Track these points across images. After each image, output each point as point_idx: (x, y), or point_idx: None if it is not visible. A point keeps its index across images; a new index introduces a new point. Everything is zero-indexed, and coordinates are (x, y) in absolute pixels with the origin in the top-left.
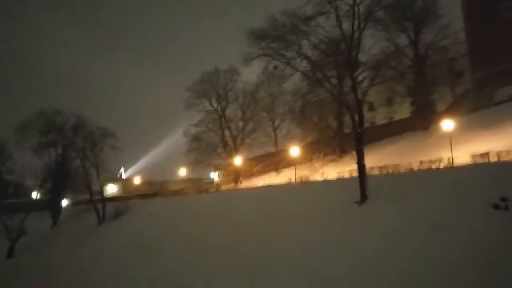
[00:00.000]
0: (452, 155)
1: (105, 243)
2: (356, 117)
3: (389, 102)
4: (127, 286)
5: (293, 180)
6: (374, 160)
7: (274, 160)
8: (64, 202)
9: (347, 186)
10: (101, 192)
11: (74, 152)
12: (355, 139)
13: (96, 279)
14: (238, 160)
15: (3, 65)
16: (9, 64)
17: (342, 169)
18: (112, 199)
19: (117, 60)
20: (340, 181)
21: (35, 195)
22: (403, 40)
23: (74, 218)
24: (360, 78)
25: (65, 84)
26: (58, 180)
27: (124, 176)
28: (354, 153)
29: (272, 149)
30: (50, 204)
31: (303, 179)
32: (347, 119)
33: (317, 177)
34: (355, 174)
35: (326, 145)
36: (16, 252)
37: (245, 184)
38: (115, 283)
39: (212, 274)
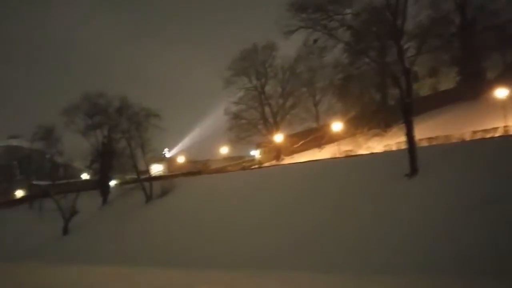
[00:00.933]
0: (508, 124)
1: (152, 220)
2: (404, 87)
3: (434, 72)
4: (172, 259)
5: (337, 155)
6: (423, 131)
7: (316, 136)
8: (112, 182)
9: (395, 159)
10: (147, 171)
11: (120, 133)
12: (404, 111)
13: (143, 253)
14: (279, 137)
15: (45, 52)
16: (51, 50)
17: (388, 142)
18: (158, 177)
19: (152, 44)
20: (387, 154)
21: (84, 176)
22: (449, 5)
23: (122, 197)
24: (405, 47)
25: (106, 68)
26: (105, 161)
27: (167, 156)
28: (399, 126)
29: (313, 125)
30: (99, 184)
31: (348, 153)
32: (391, 91)
33: (363, 151)
34: (403, 146)
35: (369, 119)
36: (70, 230)
37: (287, 161)
38: (160, 257)
39: (256, 246)
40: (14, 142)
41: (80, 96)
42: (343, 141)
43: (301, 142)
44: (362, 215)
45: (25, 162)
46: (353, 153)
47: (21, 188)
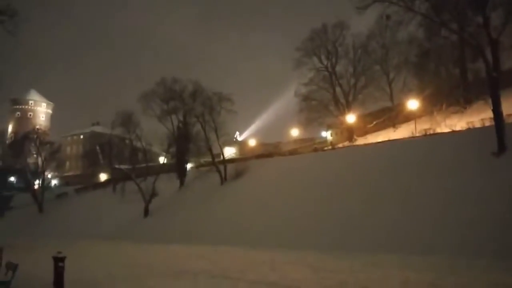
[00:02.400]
0: None
1: (227, 201)
2: (490, 60)
3: None
4: (251, 239)
5: (414, 134)
6: (510, 107)
7: (390, 116)
8: (189, 165)
9: (479, 136)
10: (221, 154)
11: (194, 118)
12: (490, 85)
13: (221, 234)
14: (351, 118)
15: (124, 40)
16: (129, 40)
17: (470, 119)
18: (231, 160)
19: (223, 30)
20: (470, 131)
21: (162, 159)
22: None
23: (198, 179)
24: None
25: (179, 56)
26: (181, 145)
27: (239, 139)
28: (481, 102)
29: (387, 104)
30: (176, 167)
31: (426, 132)
32: (470, 66)
33: (442, 129)
34: (488, 123)
35: (448, 96)
36: (151, 212)
37: (360, 141)
38: (238, 238)
39: (332, 228)
40: (97, 129)
41: (156, 83)
42: (419, 119)
43: (374, 122)
44: (441, 197)
45: (106, 147)
46: (431, 132)
47: (104, 172)
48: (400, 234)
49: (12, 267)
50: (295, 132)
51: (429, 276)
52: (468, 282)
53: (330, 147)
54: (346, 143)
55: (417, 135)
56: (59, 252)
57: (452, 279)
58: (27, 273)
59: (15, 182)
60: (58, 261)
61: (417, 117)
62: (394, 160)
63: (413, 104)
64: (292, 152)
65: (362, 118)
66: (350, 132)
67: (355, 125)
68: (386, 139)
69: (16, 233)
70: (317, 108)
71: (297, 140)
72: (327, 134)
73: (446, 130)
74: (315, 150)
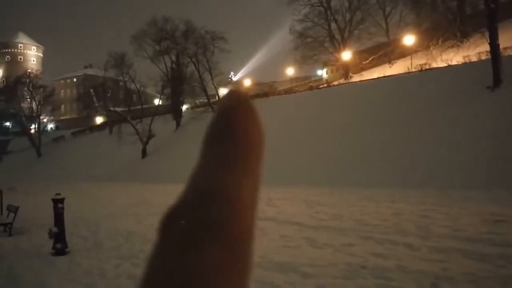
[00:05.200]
0: None
1: None
2: None
3: None
4: None
5: (410, 69)
6: (507, 40)
7: (386, 52)
8: (184, 106)
9: (475, 70)
10: (216, 94)
11: (187, 58)
12: (488, 17)
13: None
14: (346, 54)
15: None
16: None
17: (466, 53)
18: None
19: None
20: (466, 65)
21: (157, 101)
22: None
23: (194, 120)
24: None
25: None
26: (176, 86)
27: (234, 79)
28: (477, 35)
29: (383, 39)
30: (171, 108)
31: (422, 67)
32: None
33: (438, 64)
34: (484, 57)
35: (444, 30)
36: (148, 152)
37: (356, 78)
38: None
39: (324, 165)
40: (89, 71)
41: (147, 23)
42: (415, 55)
43: (370, 59)
44: (432, 132)
45: (100, 90)
46: (427, 67)
47: (100, 115)
48: (394, 168)
49: (13, 209)
50: (290, 71)
51: (421, 207)
52: (458, 213)
53: (325, 85)
54: (342, 81)
55: (413, 70)
56: (58, 194)
57: (443, 210)
58: (28, 215)
59: (10, 127)
60: (57, 202)
61: (413, 53)
62: (388, 96)
63: (409, 39)
64: (288, 91)
65: (358, 54)
66: (345, 69)
67: (350, 62)
68: (382, 75)
69: (15, 177)
70: (312, 45)
71: (292, 79)
72: (322, 72)
73: (442, 65)
74: (311, 88)
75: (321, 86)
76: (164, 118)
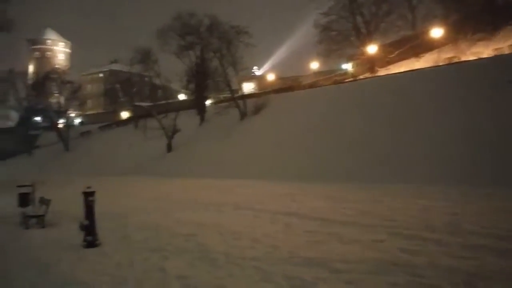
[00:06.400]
0: None
1: (248, 135)
2: None
3: None
4: (269, 173)
5: (438, 63)
6: None
7: (413, 45)
8: (208, 101)
9: (507, 63)
10: (240, 89)
11: (212, 53)
12: None
13: (241, 168)
14: (372, 48)
15: None
16: None
17: (498, 46)
18: (251, 95)
19: None
20: (497, 58)
21: (181, 96)
22: None
23: (218, 115)
24: None
25: None
26: (200, 81)
27: (258, 74)
28: (509, 28)
29: (410, 32)
30: (195, 103)
31: (450, 60)
32: None
33: (467, 57)
34: None
35: (474, 22)
36: (173, 147)
37: (382, 72)
38: (257, 171)
39: (344, 153)
40: (115, 67)
41: (172, 17)
42: (443, 48)
43: (396, 52)
44: (458, 127)
45: (126, 85)
46: (456, 60)
47: (125, 109)
48: (420, 165)
49: (46, 201)
50: (314, 65)
51: (448, 204)
52: (484, 210)
53: (351, 79)
54: (367, 74)
55: (441, 64)
56: (88, 187)
57: (470, 207)
58: (58, 208)
59: (40, 121)
60: (88, 195)
61: (441, 46)
62: (414, 90)
63: (437, 32)
64: (312, 85)
65: (384, 48)
66: (371, 63)
67: (376, 55)
68: (409, 69)
69: (44, 170)
70: (337, 39)
71: (316, 73)
72: (347, 66)
73: (472, 58)
74: (336, 82)
75: (346, 80)
76: (188, 113)
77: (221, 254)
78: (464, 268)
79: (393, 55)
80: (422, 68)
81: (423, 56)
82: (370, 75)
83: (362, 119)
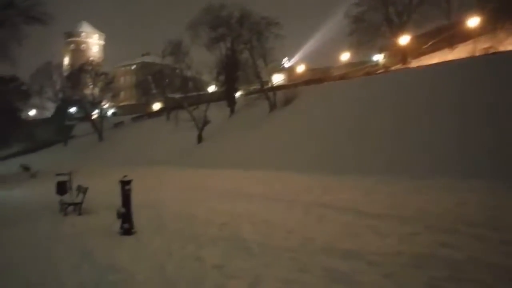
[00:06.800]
0: None
1: (277, 127)
2: None
3: None
4: (296, 161)
5: (474, 54)
6: None
7: (447, 35)
8: (238, 93)
9: None
10: (270, 81)
11: (242, 44)
12: None
13: (270, 159)
14: (404, 39)
15: None
16: None
17: None
18: (280, 87)
19: None
20: None
21: (211, 88)
22: None
23: (248, 107)
24: None
25: None
26: (230, 73)
27: (287, 65)
28: None
29: (444, 22)
30: (225, 95)
31: (487, 51)
32: None
33: (506, 47)
34: None
35: None
36: (203, 138)
37: (414, 64)
38: (279, 158)
39: (376, 146)
40: (147, 59)
41: (203, 9)
42: (479, 38)
43: (430, 43)
44: (501, 118)
45: (158, 77)
46: (493, 51)
47: (157, 101)
48: (457, 157)
49: (83, 190)
50: (345, 56)
51: (488, 198)
52: None
53: (382, 70)
54: (400, 66)
55: (477, 55)
56: (125, 176)
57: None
58: (93, 196)
59: (75, 112)
60: (125, 184)
61: (477, 36)
62: (450, 81)
63: (473, 21)
64: (343, 77)
65: (417, 39)
66: (404, 54)
67: (409, 46)
68: (442, 60)
69: (79, 159)
70: (368, 30)
71: (347, 65)
72: (379, 57)
73: (511, 48)
74: (367, 73)
75: (378, 72)
76: (218, 104)
77: (255, 243)
78: (507, 263)
79: (426, 46)
80: (456, 59)
81: (457, 47)
82: (402, 67)
83: (396, 111)
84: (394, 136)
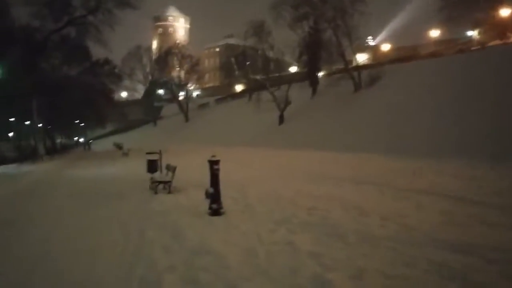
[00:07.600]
0: None
1: (363, 107)
2: None
3: None
4: (383, 143)
5: None
6: None
7: None
8: (320, 73)
9: None
10: (354, 60)
11: (325, 23)
12: None
13: (346, 136)
14: (504, 11)
15: None
16: None
17: None
18: (365, 66)
19: None
20: None
21: (293, 69)
22: None
23: (330, 87)
24: None
25: None
26: (313, 52)
27: (372, 44)
28: None
29: None
30: (308, 75)
31: None
32: None
33: None
34: None
35: None
36: (285, 119)
37: None
38: (364, 140)
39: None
40: (230, 41)
41: None
42: None
43: None
44: None
45: (241, 58)
46: None
47: (240, 82)
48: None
49: (172, 168)
50: (434, 33)
51: None
52: None
53: (478, 47)
54: (497, 42)
55: None
56: (213, 156)
57: None
58: (182, 175)
59: (163, 94)
60: (213, 164)
61: None
62: None
63: None
64: (433, 54)
65: None
66: (503, 28)
67: (509, 19)
68: None
69: (167, 139)
70: (461, 3)
71: (437, 42)
72: (473, 33)
73: None
74: (461, 51)
75: (473, 48)
76: (300, 85)
77: (349, 230)
78: None
79: None
80: None
81: None
82: (500, 42)
83: (496, 90)
84: (486, 115)
